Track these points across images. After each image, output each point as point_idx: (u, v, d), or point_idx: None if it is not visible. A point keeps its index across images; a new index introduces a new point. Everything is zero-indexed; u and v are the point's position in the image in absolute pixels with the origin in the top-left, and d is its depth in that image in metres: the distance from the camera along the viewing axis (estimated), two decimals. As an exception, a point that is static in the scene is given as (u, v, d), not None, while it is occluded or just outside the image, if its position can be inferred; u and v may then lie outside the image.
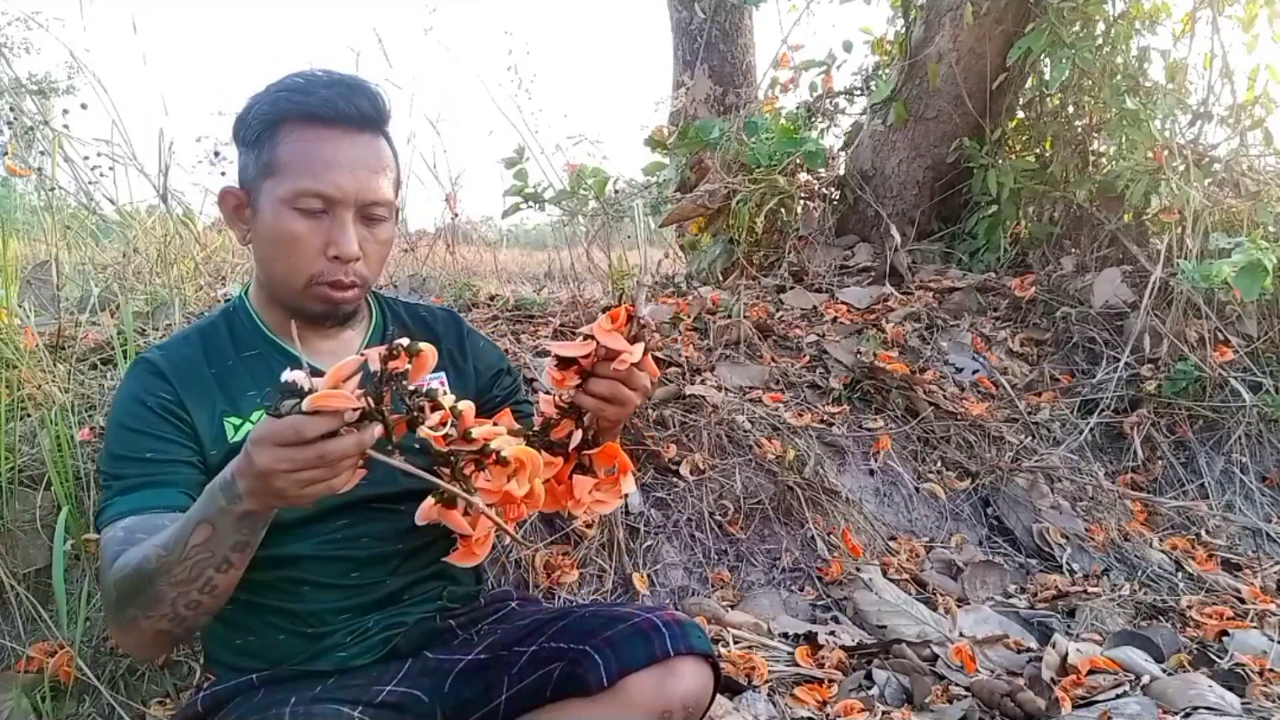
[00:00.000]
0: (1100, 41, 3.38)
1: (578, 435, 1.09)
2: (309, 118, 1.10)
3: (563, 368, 1.06)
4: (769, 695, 1.77)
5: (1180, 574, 2.47)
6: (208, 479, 1.07)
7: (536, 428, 1.11)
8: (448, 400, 0.96)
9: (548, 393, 1.11)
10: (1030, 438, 2.86)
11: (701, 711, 1.13)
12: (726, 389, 2.65)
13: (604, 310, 1.05)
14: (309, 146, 1.10)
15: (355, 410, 0.86)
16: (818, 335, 3.05)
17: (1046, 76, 3.58)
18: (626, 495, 1.12)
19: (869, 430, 2.69)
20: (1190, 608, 2.24)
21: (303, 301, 1.14)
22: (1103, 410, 2.98)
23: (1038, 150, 3.80)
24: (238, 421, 1.14)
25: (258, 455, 0.86)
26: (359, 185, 1.11)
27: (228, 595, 1.00)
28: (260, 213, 1.12)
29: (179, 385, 1.12)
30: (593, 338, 1.04)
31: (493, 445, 1.00)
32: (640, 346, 1.04)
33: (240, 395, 1.15)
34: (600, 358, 1.05)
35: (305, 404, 0.83)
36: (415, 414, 0.93)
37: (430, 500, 1.02)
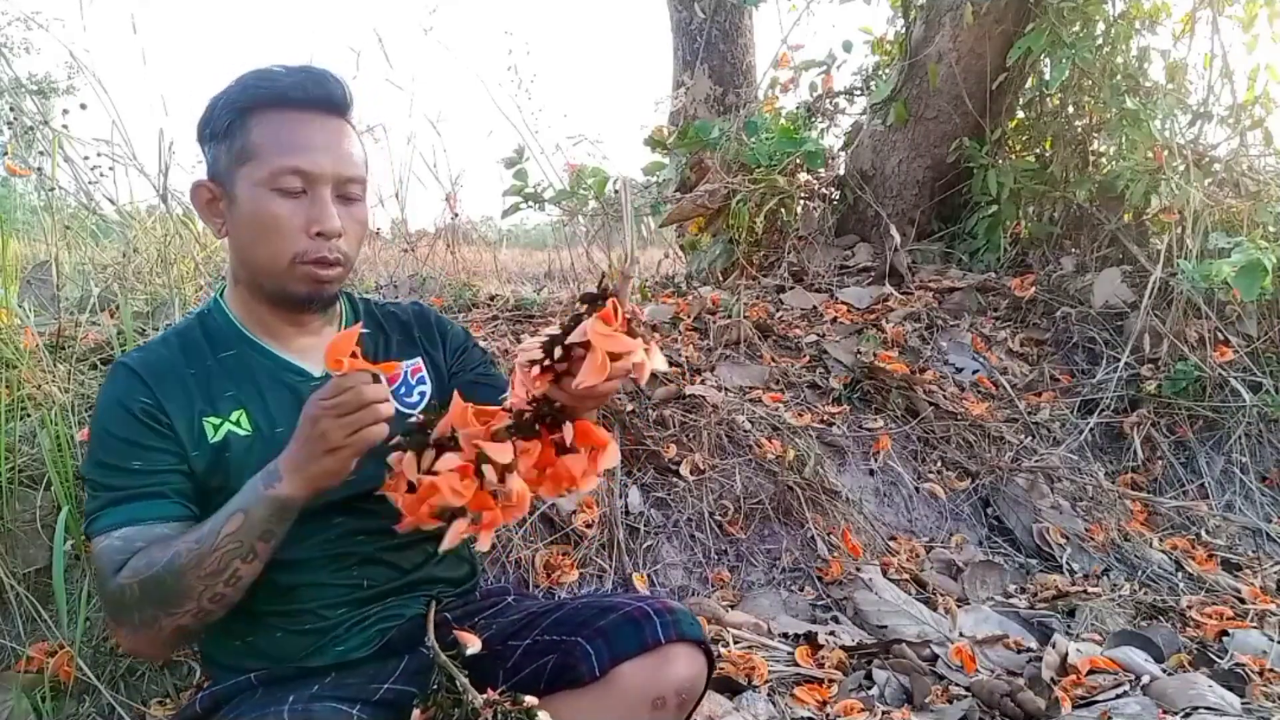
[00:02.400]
0: (1100, 41, 3.38)
1: (569, 429, 1.00)
2: (280, 102, 1.11)
3: (538, 369, 0.96)
4: (769, 695, 1.77)
5: (1180, 574, 2.47)
6: (194, 484, 1.11)
7: (509, 422, 1.01)
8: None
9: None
10: (1030, 438, 2.86)
11: (695, 698, 1.13)
12: (726, 389, 2.65)
13: (582, 302, 0.95)
14: (283, 128, 1.10)
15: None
16: (818, 335, 3.05)
17: (1046, 76, 3.58)
18: (608, 467, 1.04)
19: (869, 430, 2.69)
20: (1190, 608, 2.23)
21: (287, 284, 1.13)
22: (1103, 410, 2.98)
23: (1038, 150, 3.80)
24: (216, 422, 1.13)
25: (310, 408, 0.98)
26: (335, 161, 1.12)
27: (246, 589, 1.05)
28: (238, 200, 1.11)
29: (157, 389, 1.11)
30: (586, 344, 0.92)
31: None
32: (639, 342, 0.92)
33: (219, 395, 1.14)
34: (579, 357, 0.94)
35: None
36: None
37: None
